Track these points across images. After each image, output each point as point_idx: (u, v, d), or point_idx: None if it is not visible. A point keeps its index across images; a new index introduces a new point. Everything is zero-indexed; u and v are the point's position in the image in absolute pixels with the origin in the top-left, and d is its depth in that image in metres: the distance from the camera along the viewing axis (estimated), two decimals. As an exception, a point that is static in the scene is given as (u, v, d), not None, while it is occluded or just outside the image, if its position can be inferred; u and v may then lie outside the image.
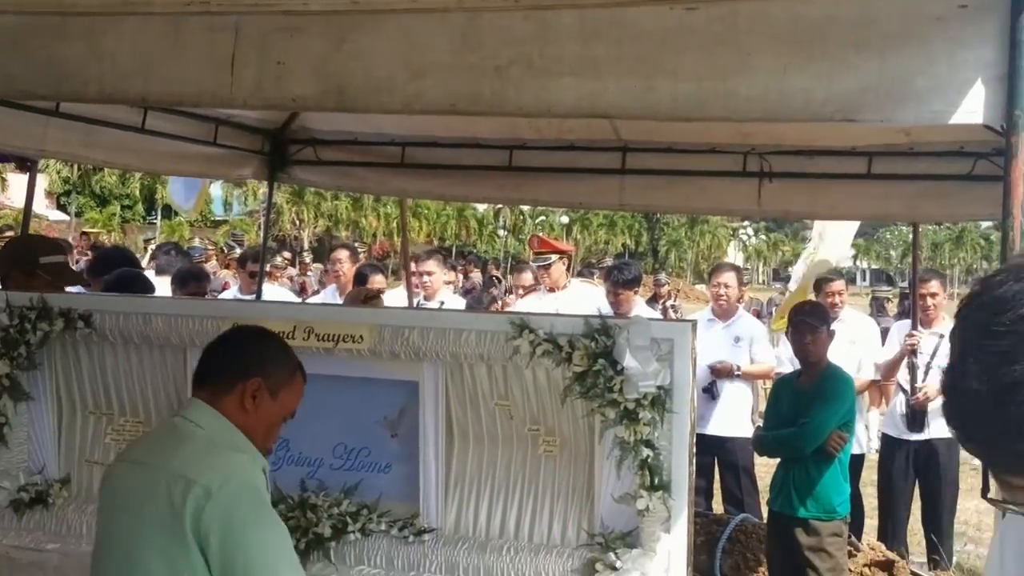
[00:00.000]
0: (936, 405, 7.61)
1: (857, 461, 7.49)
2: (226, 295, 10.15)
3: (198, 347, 4.20)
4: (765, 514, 7.18)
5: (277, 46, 3.86)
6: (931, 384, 7.68)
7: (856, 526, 7.47)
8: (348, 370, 4.10)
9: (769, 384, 8.30)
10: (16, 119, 5.66)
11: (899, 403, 8.02)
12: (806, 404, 5.86)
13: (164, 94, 4.15)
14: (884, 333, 8.80)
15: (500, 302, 12.68)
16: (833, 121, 3.45)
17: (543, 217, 61.00)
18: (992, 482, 1.45)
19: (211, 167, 7.57)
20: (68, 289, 5.16)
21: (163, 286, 7.17)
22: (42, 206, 41.66)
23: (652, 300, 15.07)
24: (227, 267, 16.62)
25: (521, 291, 10.50)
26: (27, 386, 4.42)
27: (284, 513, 4.12)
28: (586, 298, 8.88)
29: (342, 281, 9.23)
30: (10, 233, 12.99)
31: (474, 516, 4.04)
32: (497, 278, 20.99)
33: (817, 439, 5.76)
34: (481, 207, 65.17)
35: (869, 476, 8.53)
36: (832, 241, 10.34)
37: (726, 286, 8.21)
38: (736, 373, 7.99)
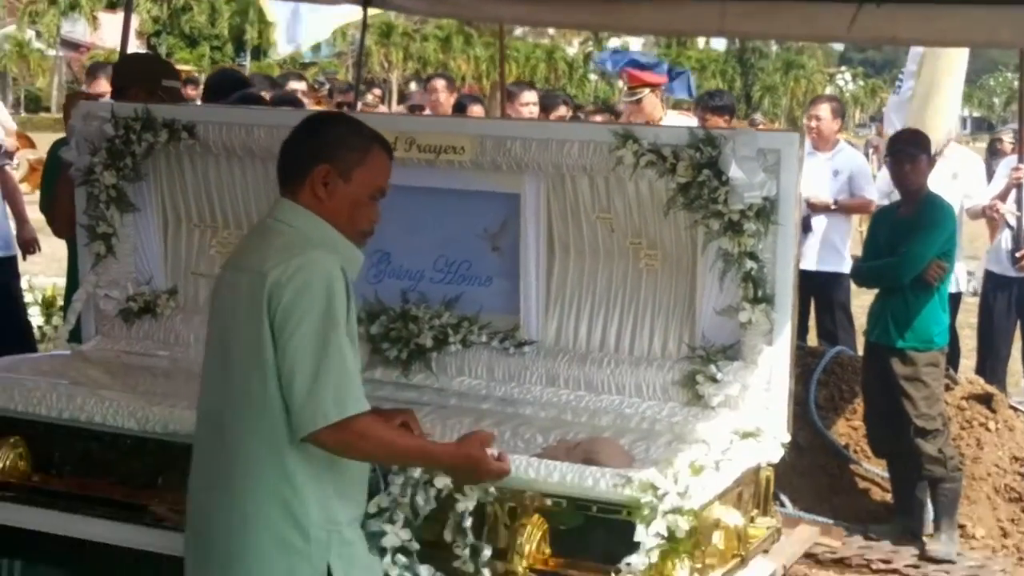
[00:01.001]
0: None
1: (954, 300, 7.38)
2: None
3: (300, 159, 4.27)
4: (860, 349, 7.18)
5: None
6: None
7: (951, 364, 7.41)
8: (449, 182, 4.10)
9: (865, 223, 8.16)
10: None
11: (1004, 239, 7.85)
12: (904, 233, 5.77)
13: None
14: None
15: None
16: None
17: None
18: None
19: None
20: None
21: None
22: (133, 46, 41.88)
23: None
24: (318, 104, 16.67)
25: None
26: (133, 197, 4.49)
27: (386, 324, 4.21)
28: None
29: (439, 112, 9.18)
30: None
31: (575, 329, 4.07)
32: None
33: (915, 268, 5.68)
34: (572, 49, 64.43)
35: (966, 318, 8.42)
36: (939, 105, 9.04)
37: (817, 118, 8.00)
38: (832, 207, 7.87)
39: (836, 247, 7.94)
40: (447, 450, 2.98)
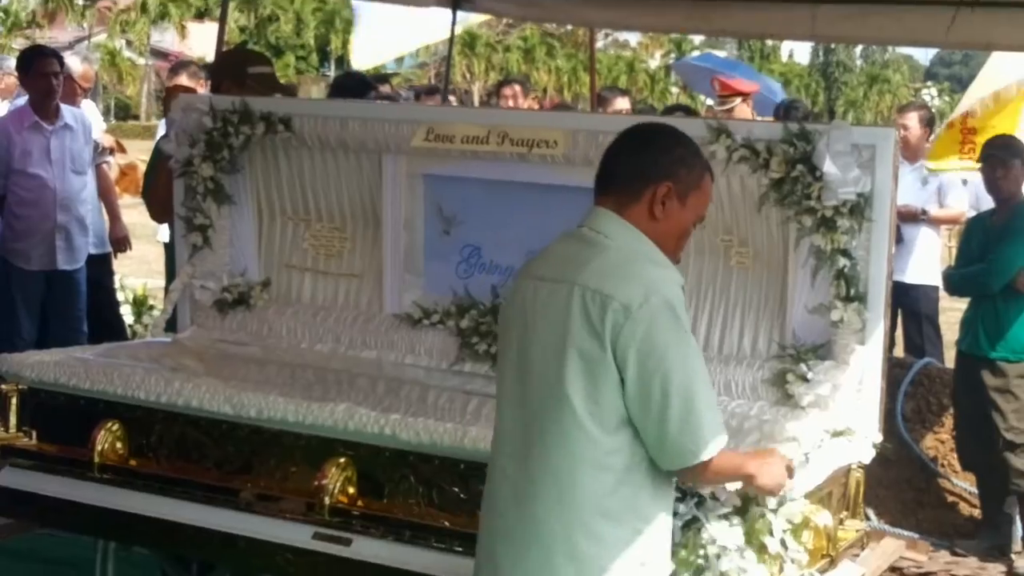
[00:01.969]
0: None
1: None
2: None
3: (392, 153, 4.31)
4: (947, 362, 7.07)
5: None
6: None
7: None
8: (541, 177, 4.11)
9: (954, 238, 8.00)
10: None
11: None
12: (995, 241, 5.71)
13: None
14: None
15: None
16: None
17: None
18: None
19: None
20: None
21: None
22: (221, 54, 42.41)
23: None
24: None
25: None
26: (229, 189, 4.56)
27: (476, 319, 4.23)
28: None
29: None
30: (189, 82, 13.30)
31: (663, 325, 4.05)
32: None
33: (1005, 275, 5.61)
34: (654, 62, 64.25)
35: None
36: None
37: (905, 127, 7.88)
38: (922, 217, 7.77)
39: (925, 258, 7.83)
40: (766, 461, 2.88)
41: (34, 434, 3.96)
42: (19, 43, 38.22)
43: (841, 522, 3.61)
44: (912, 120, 7.97)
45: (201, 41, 40.69)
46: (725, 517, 3.06)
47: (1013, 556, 5.59)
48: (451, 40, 8.68)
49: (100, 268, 7.23)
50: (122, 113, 52.05)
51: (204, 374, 4.07)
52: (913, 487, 6.15)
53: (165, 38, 55.34)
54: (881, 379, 3.73)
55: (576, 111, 9.94)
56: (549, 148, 4.01)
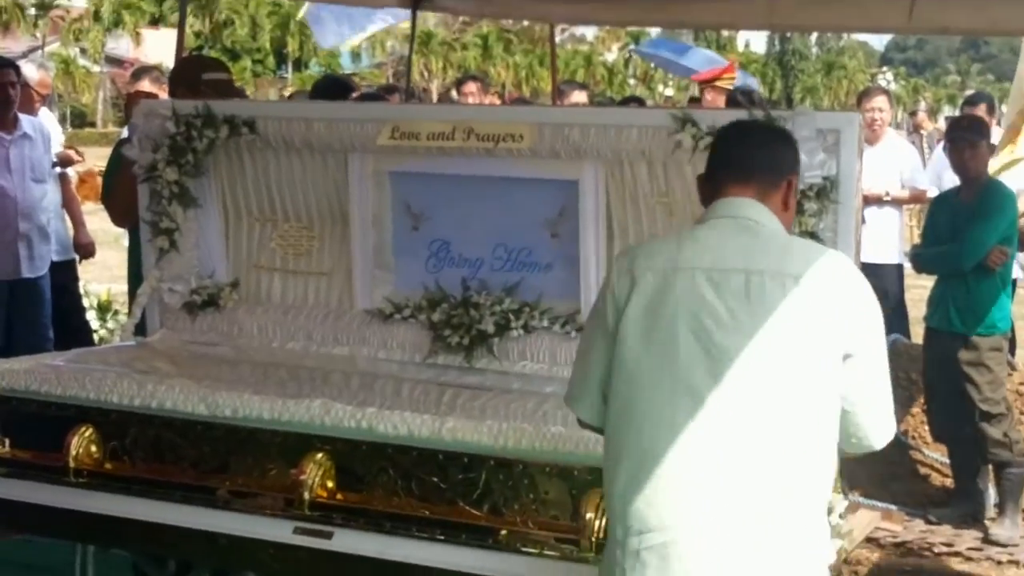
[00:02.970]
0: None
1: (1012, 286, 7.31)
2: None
3: (359, 151, 4.33)
4: (913, 337, 7.15)
5: None
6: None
7: (1010, 351, 7.35)
8: (508, 170, 4.14)
9: (915, 217, 8.08)
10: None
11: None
12: (965, 220, 5.78)
13: None
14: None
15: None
16: None
17: (674, 66, 59.88)
18: None
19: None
20: None
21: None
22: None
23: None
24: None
25: None
26: (195, 193, 4.55)
27: (447, 312, 4.25)
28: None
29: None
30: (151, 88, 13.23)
31: (635, 312, 4.08)
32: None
33: (977, 254, 5.68)
34: (611, 55, 64.38)
35: (1020, 309, 8.33)
36: None
37: (879, 110, 7.94)
38: (885, 198, 7.85)
39: (889, 238, 7.90)
40: None
41: (7, 442, 3.93)
42: (-31, 54, 37.89)
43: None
44: (883, 103, 7.98)
45: (156, 48, 40.49)
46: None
47: (987, 522, 5.68)
48: (412, 39, 8.73)
49: (65, 274, 7.20)
50: (78, 121, 51.66)
51: (177, 376, 4.07)
52: (886, 460, 6.20)
53: (120, 45, 55.04)
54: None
55: (537, 105, 9.97)
56: (515, 142, 4.04)
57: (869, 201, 7.71)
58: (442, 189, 4.32)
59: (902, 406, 6.36)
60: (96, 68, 53.46)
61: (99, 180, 7.98)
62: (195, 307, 4.58)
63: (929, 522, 5.73)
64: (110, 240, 9.31)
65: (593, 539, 3.12)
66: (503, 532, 3.26)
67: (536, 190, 4.18)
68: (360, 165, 4.34)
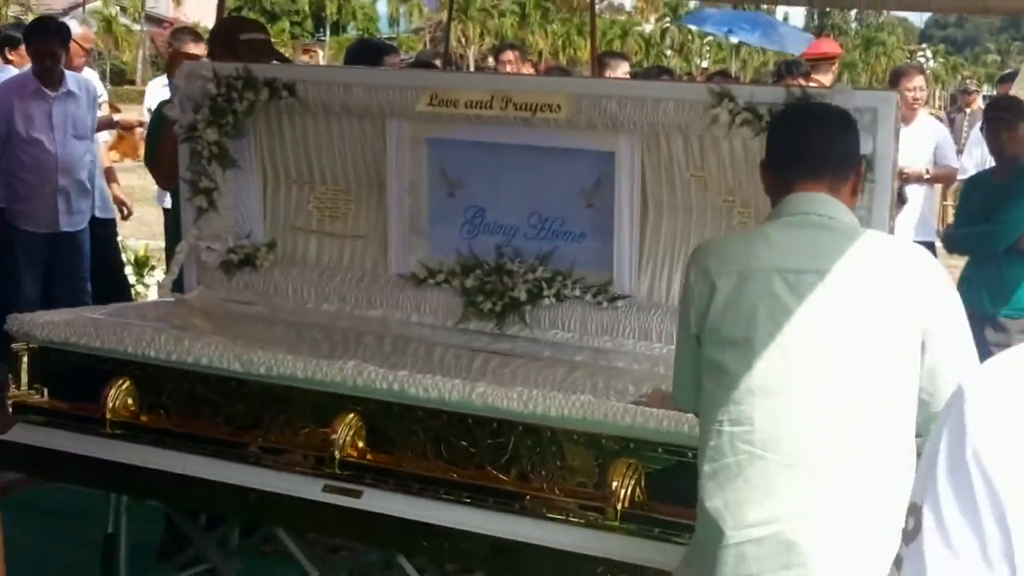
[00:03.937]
0: None
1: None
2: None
3: (397, 117, 4.35)
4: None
5: None
6: None
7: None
8: (544, 140, 4.15)
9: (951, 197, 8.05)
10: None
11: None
12: (1001, 200, 5.75)
13: None
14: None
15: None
16: None
17: (710, 36, 59.51)
18: None
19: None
20: None
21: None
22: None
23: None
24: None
25: None
26: (234, 153, 4.58)
27: (480, 278, 4.27)
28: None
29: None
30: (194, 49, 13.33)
31: (667, 285, 4.09)
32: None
33: (1011, 235, 5.66)
34: (648, 26, 64.02)
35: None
36: None
37: (920, 89, 7.89)
38: (925, 176, 7.81)
39: (926, 217, 7.89)
40: None
41: (45, 391, 4.00)
42: (14, 10, 38.00)
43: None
44: (922, 81, 7.95)
45: (194, 8, 40.50)
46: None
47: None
48: (450, 5, 8.73)
49: (105, 230, 7.32)
50: (118, 78, 51.84)
51: (213, 333, 4.11)
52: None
53: (160, 4, 55.13)
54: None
55: (573, 75, 9.94)
56: (553, 112, 4.04)
57: (910, 179, 7.71)
58: (479, 157, 4.34)
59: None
60: (136, 27, 53.59)
61: (139, 137, 8.06)
62: (232, 266, 4.61)
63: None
64: (147, 197, 9.38)
65: (618, 507, 3.16)
66: (529, 497, 3.30)
67: (572, 160, 4.19)
68: (398, 131, 4.35)
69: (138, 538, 4.23)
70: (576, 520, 3.23)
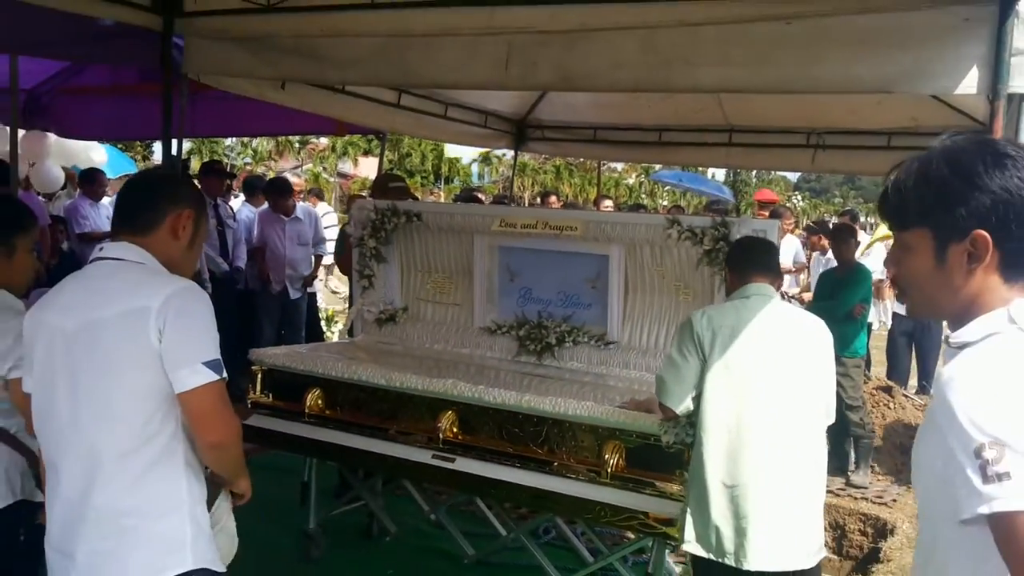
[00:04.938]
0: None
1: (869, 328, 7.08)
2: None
3: (480, 233, 4.31)
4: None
5: (531, 51, 3.86)
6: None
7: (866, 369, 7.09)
8: (567, 247, 4.10)
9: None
10: (372, 108, 5.86)
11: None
12: (840, 287, 5.64)
13: (463, 81, 4.22)
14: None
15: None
16: (878, 92, 3.25)
17: (668, 186, 59.33)
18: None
19: (481, 141, 7.62)
20: None
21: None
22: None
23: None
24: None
25: None
26: (385, 254, 4.59)
27: (528, 330, 4.20)
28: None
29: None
30: (364, 192, 13.49)
31: (641, 335, 4.02)
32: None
33: (846, 306, 5.54)
34: (631, 179, 63.93)
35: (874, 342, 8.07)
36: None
37: (789, 221, 7.80)
38: (792, 270, 7.69)
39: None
40: None
41: (270, 396, 3.99)
42: (260, 169, 38.77)
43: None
44: (789, 217, 7.94)
45: (366, 167, 41.24)
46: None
47: (849, 474, 5.48)
48: (514, 167, 8.74)
49: (311, 299, 7.37)
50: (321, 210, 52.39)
51: (369, 361, 4.08)
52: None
53: (345, 165, 56.11)
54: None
55: (584, 208, 9.93)
56: (573, 231, 4.02)
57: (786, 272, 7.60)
58: (529, 257, 4.30)
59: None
60: (331, 179, 54.57)
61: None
62: (382, 321, 4.60)
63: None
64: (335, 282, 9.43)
65: (609, 471, 3.08)
66: (555, 464, 3.23)
67: (584, 260, 4.14)
68: (480, 241, 4.34)
69: (322, 484, 4.18)
70: (583, 478, 3.16)
